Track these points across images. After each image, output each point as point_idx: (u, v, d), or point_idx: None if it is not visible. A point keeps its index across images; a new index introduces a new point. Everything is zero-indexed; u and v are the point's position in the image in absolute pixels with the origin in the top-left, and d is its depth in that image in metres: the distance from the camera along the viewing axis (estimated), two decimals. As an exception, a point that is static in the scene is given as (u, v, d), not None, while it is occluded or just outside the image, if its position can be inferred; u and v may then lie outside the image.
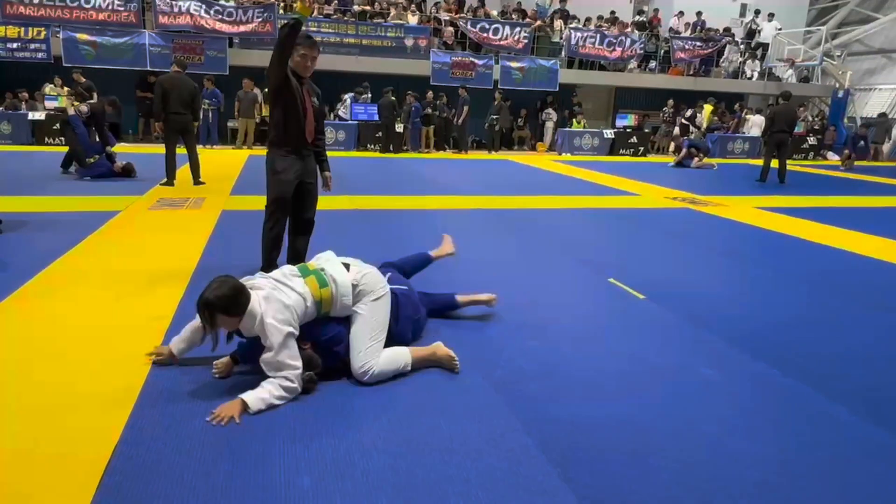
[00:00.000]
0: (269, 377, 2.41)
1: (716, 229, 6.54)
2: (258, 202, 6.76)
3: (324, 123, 3.96)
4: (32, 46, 12.96)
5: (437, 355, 2.78)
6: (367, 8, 15.31)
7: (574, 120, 16.09)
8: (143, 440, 2.11)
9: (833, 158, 16.80)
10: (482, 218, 6.57)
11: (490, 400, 2.52)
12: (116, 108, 9.48)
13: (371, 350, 2.61)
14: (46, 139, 12.09)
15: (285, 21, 3.32)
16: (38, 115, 12.30)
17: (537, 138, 16.98)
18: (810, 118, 17.97)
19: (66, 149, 8.62)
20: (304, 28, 3.46)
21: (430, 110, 14.42)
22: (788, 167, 11.22)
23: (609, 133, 15.90)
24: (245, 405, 2.32)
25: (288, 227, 3.96)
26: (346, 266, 2.73)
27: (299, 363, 2.45)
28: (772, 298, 4.16)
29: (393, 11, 15.41)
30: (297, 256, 3.93)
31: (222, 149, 13.11)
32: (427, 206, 7.06)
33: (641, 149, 15.91)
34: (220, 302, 2.35)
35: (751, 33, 18.78)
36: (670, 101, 16.48)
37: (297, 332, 2.49)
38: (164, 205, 6.49)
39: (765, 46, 18.63)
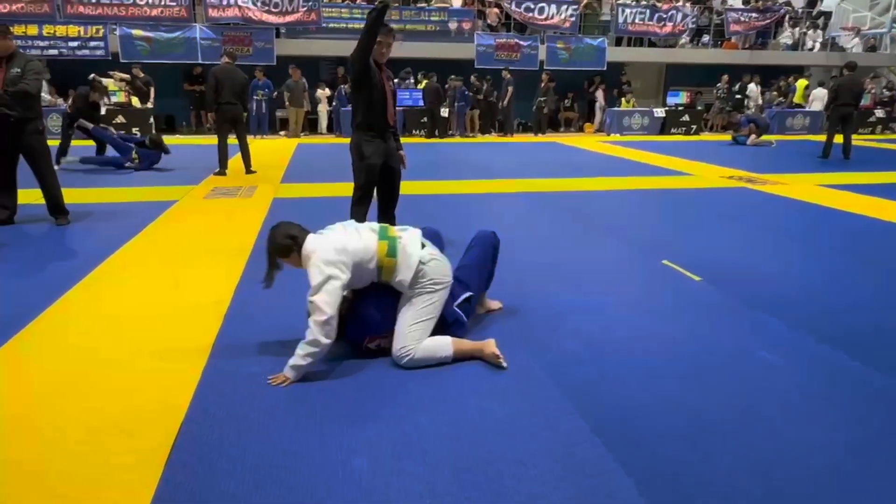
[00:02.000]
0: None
1: (775, 209, 6.28)
2: (308, 190, 6.96)
3: (396, 104, 4.16)
4: (92, 44, 13.46)
5: (483, 352, 2.70)
6: (411, -8, 15.22)
7: (623, 99, 15.67)
8: (205, 420, 2.20)
9: (903, 132, 15.87)
10: (529, 201, 6.50)
11: (542, 383, 2.51)
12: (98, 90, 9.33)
13: (413, 334, 2.59)
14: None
15: (371, 7, 3.46)
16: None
17: (585, 119, 16.64)
18: (878, 90, 16.98)
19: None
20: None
21: (474, 93, 14.31)
22: (854, 142, 10.66)
23: (660, 112, 15.43)
24: (287, 377, 2.46)
25: (378, 204, 4.19)
26: (423, 245, 2.72)
27: (330, 312, 2.42)
28: (837, 280, 3.97)
29: (437, -5, 15.29)
30: None
31: (272, 138, 13.38)
32: (473, 191, 7.03)
33: (694, 127, 15.38)
34: (273, 246, 2.59)
35: (811, 2, 17.83)
36: (725, 77, 15.83)
37: (343, 279, 2.48)
38: (219, 194, 6.67)
39: (827, 15, 17.68)
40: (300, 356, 2.45)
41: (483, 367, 2.65)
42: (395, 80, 4.07)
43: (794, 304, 3.46)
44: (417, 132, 14.09)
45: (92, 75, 10.04)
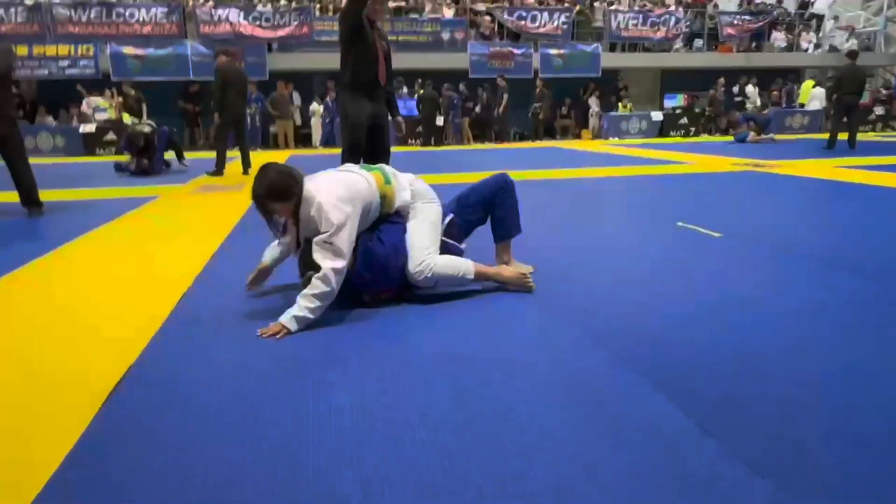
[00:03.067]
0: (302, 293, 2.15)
1: (789, 185, 5.99)
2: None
3: (391, 66, 3.94)
4: (82, 63, 13.34)
5: (504, 274, 2.51)
6: (402, 4, 15.19)
7: (620, 104, 15.52)
8: (164, 359, 1.86)
9: (904, 129, 15.69)
10: (533, 186, 6.22)
11: (560, 323, 2.17)
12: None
13: (429, 248, 2.36)
14: (98, 150, 12.37)
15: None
16: (89, 128, 12.60)
17: (581, 126, 16.46)
18: (875, 86, 16.87)
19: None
20: None
21: (465, 102, 14.17)
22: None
23: (657, 115, 15.25)
24: (285, 328, 2.08)
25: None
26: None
27: (349, 256, 2.17)
28: (869, 229, 3.66)
29: (428, 6, 15.26)
30: None
31: (264, 152, 13.16)
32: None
33: (693, 129, 15.19)
34: (266, 188, 2.16)
35: (804, 5, 17.83)
36: (721, 80, 15.70)
37: (358, 214, 2.22)
38: (206, 190, 6.39)
39: (819, 17, 17.65)
40: (305, 307, 2.11)
41: (494, 304, 2.32)
42: (385, 44, 3.82)
43: (824, 249, 3.15)
44: (412, 141, 13.89)
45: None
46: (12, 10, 12.88)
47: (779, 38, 16.90)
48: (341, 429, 1.44)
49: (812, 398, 1.57)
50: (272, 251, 2.54)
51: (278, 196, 2.18)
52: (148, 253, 3.48)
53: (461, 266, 2.41)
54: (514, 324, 2.18)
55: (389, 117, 3.98)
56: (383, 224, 2.42)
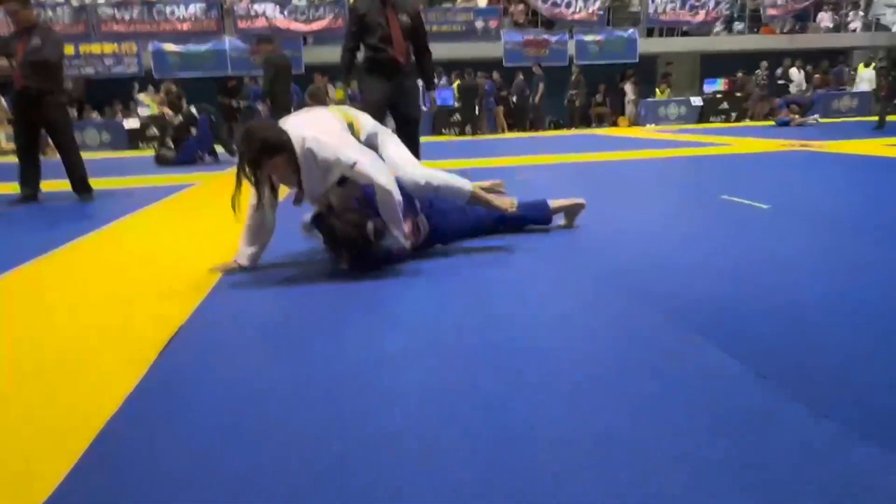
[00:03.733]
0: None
1: (837, 162, 5.77)
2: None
3: (425, 41, 4.00)
4: (126, 61, 13.73)
5: (493, 202, 2.53)
6: (436, -7, 15.18)
7: (658, 90, 15.20)
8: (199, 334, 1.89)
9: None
10: (567, 168, 6.14)
11: (599, 285, 2.13)
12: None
13: (416, 163, 2.45)
14: (140, 144, 12.71)
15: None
16: (133, 124, 12.97)
17: (618, 113, 16.18)
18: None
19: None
20: None
21: (499, 90, 14.08)
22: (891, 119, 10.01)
23: (697, 100, 14.89)
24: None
25: None
26: None
27: (381, 164, 2.30)
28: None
29: (462, -5, 15.21)
30: None
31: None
32: (512, 164, 6.71)
33: (734, 114, 14.78)
34: (261, 146, 2.11)
35: (852, -18, 17.13)
36: (764, 63, 15.24)
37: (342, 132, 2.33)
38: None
39: (869, -5, 16.95)
40: (396, 226, 2.26)
41: (528, 267, 2.30)
42: (406, 18, 3.85)
43: (881, 216, 3.02)
44: (447, 131, 13.87)
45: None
46: (59, 10, 13.33)
47: (825, 18, 16.30)
48: (384, 376, 1.44)
49: (872, 346, 1.51)
50: (251, 250, 2.42)
51: (274, 150, 2.13)
52: (189, 229, 3.56)
53: (457, 178, 2.42)
54: (563, 283, 2.15)
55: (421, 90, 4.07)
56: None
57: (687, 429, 1.16)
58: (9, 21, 4.75)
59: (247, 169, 2.13)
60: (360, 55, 4.03)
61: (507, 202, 2.55)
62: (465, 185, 2.41)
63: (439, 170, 2.49)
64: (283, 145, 2.14)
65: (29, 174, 4.95)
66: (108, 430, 1.23)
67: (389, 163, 2.36)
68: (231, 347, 1.69)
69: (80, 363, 1.60)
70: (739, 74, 15.17)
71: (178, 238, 3.35)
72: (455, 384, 1.38)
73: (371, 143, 2.44)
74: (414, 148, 3.92)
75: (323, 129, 2.24)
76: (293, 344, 1.68)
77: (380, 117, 3.74)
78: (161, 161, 8.29)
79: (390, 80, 3.85)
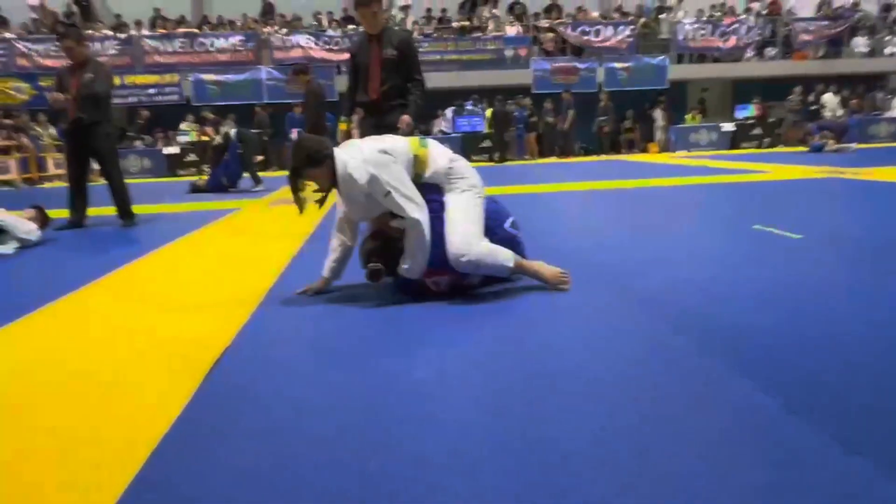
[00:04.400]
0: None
1: (874, 190, 5.68)
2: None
3: (414, 71, 3.84)
4: (167, 90, 14.29)
5: (540, 271, 2.47)
6: (466, 23, 15.48)
7: (688, 116, 15.16)
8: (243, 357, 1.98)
9: None
10: (600, 196, 6.18)
11: (627, 311, 2.16)
12: None
13: (469, 228, 2.32)
14: (178, 171, 13.15)
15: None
16: (173, 150, 13.44)
17: (647, 139, 16.16)
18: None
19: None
20: None
21: (529, 117, 14.21)
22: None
23: (728, 126, 14.79)
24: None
25: None
26: None
27: (419, 201, 2.30)
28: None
29: (491, 25, 15.48)
30: None
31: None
32: (543, 191, 6.77)
33: (767, 139, 14.62)
34: (299, 158, 2.30)
35: (887, 7, 16.94)
36: (797, 89, 15.10)
37: (400, 160, 2.34)
38: (282, 202, 6.68)
39: (906, 19, 16.72)
40: (410, 256, 2.31)
41: (551, 295, 2.34)
42: (391, 51, 3.75)
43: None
44: (477, 157, 14.02)
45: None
46: (106, 42, 13.97)
47: (860, 42, 16.11)
48: (423, 400, 1.49)
49: (908, 383, 1.51)
50: (332, 264, 2.55)
51: (311, 162, 2.28)
52: (235, 252, 3.69)
53: (501, 254, 2.35)
54: (590, 314, 2.19)
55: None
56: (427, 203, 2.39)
57: (723, 458, 1.18)
58: (65, 55, 5.04)
59: (291, 181, 2.36)
60: None
61: (562, 278, 2.46)
62: (508, 260, 2.37)
63: (490, 244, 2.36)
64: (320, 160, 2.29)
65: (78, 201, 5.19)
66: (163, 446, 1.31)
67: (448, 220, 2.33)
68: (275, 365, 1.77)
69: (137, 379, 1.70)
70: (753, 106, 15.05)
71: (222, 260, 3.48)
72: (489, 410, 1.43)
73: (440, 181, 2.42)
74: None
75: (371, 156, 2.29)
76: (329, 366, 1.75)
77: None
78: (194, 189, 8.42)
79: (374, 117, 3.85)
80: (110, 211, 5.29)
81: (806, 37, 15.85)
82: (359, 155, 2.29)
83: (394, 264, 2.37)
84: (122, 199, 5.23)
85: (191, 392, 1.58)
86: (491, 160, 13.71)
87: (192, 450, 1.31)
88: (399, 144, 2.41)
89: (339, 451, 1.27)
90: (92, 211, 5.41)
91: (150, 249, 3.85)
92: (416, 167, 2.41)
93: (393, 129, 3.68)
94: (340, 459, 1.23)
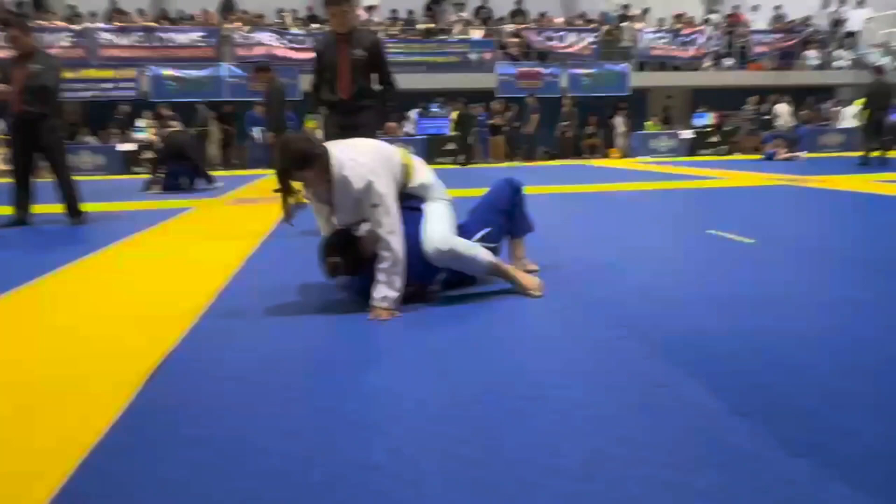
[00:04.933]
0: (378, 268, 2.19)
1: (823, 197, 5.88)
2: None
3: (385, 72, 3.85)
4: (123, 85, 13.85)
5: (516, 277, 2.43)
6: (432, 26, 15.47)
7: (648, 122, 15.47)
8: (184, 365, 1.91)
9: (944, 147, 15.26)
10: (560, 199, 6.23)
11: (588, 315, 2.17)
12: None
13: (447, 227, 2.32)
14: (133, 168, 12.74)
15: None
16: (129, 146, 13.03)
17: (609, 145, 16.40)
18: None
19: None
20: None
21: (500, 121, 14.28)
22: (892, 155, 10.24)
23: (687, 133, 15.14)
24: (388, 310, 2.14)
25: None
26: None
27: (397, 219, 2.20)
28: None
29: (457, 28, 15.51)
30: None
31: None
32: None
33: (724, 147, 15.03)
34: (289, 158, 2.15)
35: (836, 23, 17.60)
36: (752, 99, 15.56)
37: (388, 172, 2.28)
38: (239, 202, 6.54)
39: (854, 35, 17.39)
40: (388, 284, 2.16)
41: (521, 300, 2.33)
42: (360, 51, 3.71)
43: (866, 252, 3.08)
44: (442, 160, 14.01)
45: None
46: (59, 34, 13.48)
47: (811, 55, 16.70)
48: (372, 407, 1.46)
49: (850, 384, 1.54)
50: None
51: (302, 162, 2.15)
52: (185, 254, 3.58)
53: (479, 251, 2.33)
54: (546, 316, 2.18)
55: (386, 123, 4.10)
56: (404, 210, 2.33)
57: (671, 461, 1.18)
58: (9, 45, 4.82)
59: (280, 181, 2.20)
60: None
61: (535, 284, 2.42)
62: (484, 259, 2.34)
63: (465, 240, 2.35)
64: (314, 159, 2.16)
65: (22, 197, 4.96)
66: (92, 457, 1.24)
67: (425, 219, 2.33)
68: (217, 374, 1.71)
69: (69, 387, 1.61)
70: (712, 117, 15.48)
71: (170, 263, 3.36)
72: (441, 415, 1.40)
73: (420, 195, 2.42)
74: None
75: (369, 161, 2.21)
76: (279, 373, 1.70)
77: None
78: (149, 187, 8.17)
79: (341, 116, 3.80)
80: (58, 209, 5.08)
81: (760, 48, 16.35)
82: (357, 157, 2.20)
83: (354, 261, 2.27)
84: (69, 196, 5.02)
85: (127, 401, 1.51)
86: (455, 162, 13.72)
87: (124, 461, 1.24)
88: (391, 151, 2.37)
89: (282, 460, 1.22)
90: (38, 208, 5.19)
91: (95, 249, 3.70)
92: (404, 176, 2.38)
93: (359, 129, 3.61)
94: (283, 468, 1.19)
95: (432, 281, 2.41)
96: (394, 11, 15.99)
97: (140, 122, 13.77)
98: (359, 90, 3.76)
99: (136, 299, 2.57)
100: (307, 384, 1.61)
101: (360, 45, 3.74)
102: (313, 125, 4.14)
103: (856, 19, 17.44)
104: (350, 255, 2.26)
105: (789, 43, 16.56)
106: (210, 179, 8.22)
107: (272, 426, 1.37)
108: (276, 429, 1.36)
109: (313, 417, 1.41)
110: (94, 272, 3.19)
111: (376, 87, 3.90)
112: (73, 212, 5.04)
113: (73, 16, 14.17)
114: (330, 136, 3.85)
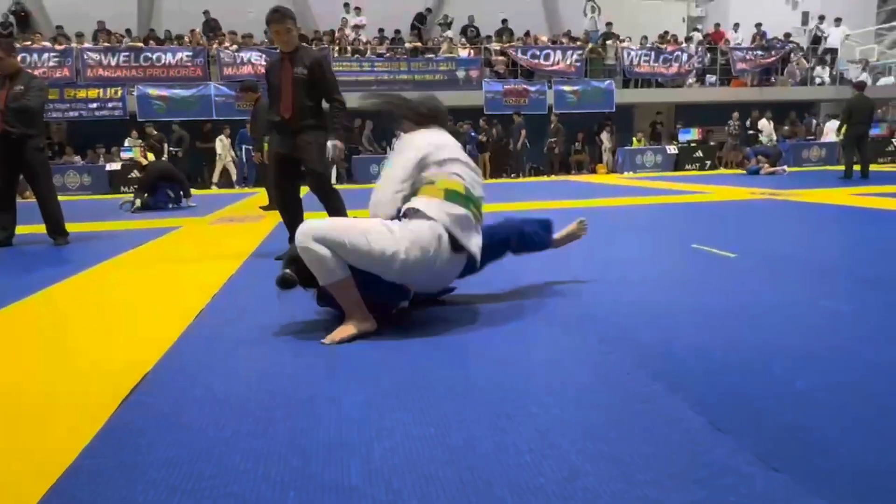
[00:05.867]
0: None
1: (805, 210, 5.95)
2: (316, 216, 6.73)
3: (329, 90, 3.70)
4: (110, 105, 13.81)
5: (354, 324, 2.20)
6: (419, 44, 15.60)
7: (634, 138, 15.64)
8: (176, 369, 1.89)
9: (925, 160, 15.55)
10: (548, 215, 6.24)
11: (571, 329, 2.17)
12: None
13: (333, 223, 2.19)
14: (122, 188, 12.68)
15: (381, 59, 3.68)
16: (115, 166, 12.97)
17: (596, 161, 16.55)
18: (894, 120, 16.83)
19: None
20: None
21: (484, 137, 14.38)
22: (873, 168, 10.40)
23: (672, 148, 15.32)
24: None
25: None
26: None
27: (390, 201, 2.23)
28: (885, 249, 3.61)
29: (444, 46, 15.65)
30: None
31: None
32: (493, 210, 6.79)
33: (708, 163, 15.21)
34: (414, 108, 2.45)
35: (816, 40, 17.95)
36: (735, 114, 15.78)
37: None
38: (224, 221, 6.51)
39: (833, 52, 17.75)
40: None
41: (486, 313, 2.33)
42: (301, 70, 3.60)
43: (849, 267, 3.12)
44: (429, 177, 14.07)
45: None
46: (45, 55, 13.45)
47: (792, 72, 17.00)
48: (351, 426, 1.45)
49: (828, 397, 1.55)
50: None
51: (416, 119, 2.43)
52: (167, 274, 3.55)
53: (336, 262, 2.07)
54: (527, 331, 2.18)
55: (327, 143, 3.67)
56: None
57: (650, 478, 1.18)
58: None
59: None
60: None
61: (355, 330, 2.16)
62: (333, 271, 2.09)
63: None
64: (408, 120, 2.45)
65: (5, 218, 4.92)
66: (63, 480, 1.22)
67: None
68: (195, 394, 1.69)
69: (42, 409, 1.59)
70: (695, 132, 15.68)
71: (152, 283, 3.33)
72: (420, 435, 1.39)
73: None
74: (328, 203, 3.79)
75: (420, 140, 2.32)
76: (257, 395, 1.68)
77: (283, 174, 3.77)
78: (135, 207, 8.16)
79: (284, 136, 3.71)
80: (41, 229, 5.04)
81: (742, 65, 16.62)
82: (425, 136, 2.34)
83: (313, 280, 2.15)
84: (52, 216, 4.98)
85: (102, 423, 1.49)
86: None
87: (95, 485, 1.22)
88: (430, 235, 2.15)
89: (258, 483, 1.20)
90: (23, 229, 5.15)
91: (78, 270, 3.67)
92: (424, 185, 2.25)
93: (308, 147, 3.64)
94: (259, 491, 1.17)
95: (395, 303, 2.32)
96: (381, 30, 16.11)
97: (128, 142, 13.73)
98: (300, 110, 3.64)
99: (115, 321, 2.54)
100: (285, 405, 1.60)
101: (303, 64, 3.64)
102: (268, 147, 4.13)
103: (835, 36, 17.80)
104: (303, 267, 2.12)
105: (769, 60, 16.85)
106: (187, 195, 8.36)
107: (248, 448, 1.35)
108: (253, 451, 1.34)
109: (290, 439, 1.40)
110: (75, 293, 3.15)
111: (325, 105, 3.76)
112: (57, 232, 5.00)
113: (60, 35, 14.15)
114: (272, 160, 3.83)
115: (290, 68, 3.62)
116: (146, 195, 8.05)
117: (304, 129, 3.66)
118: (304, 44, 3.91)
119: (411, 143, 2.31)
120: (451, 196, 2.21)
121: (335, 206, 3.79)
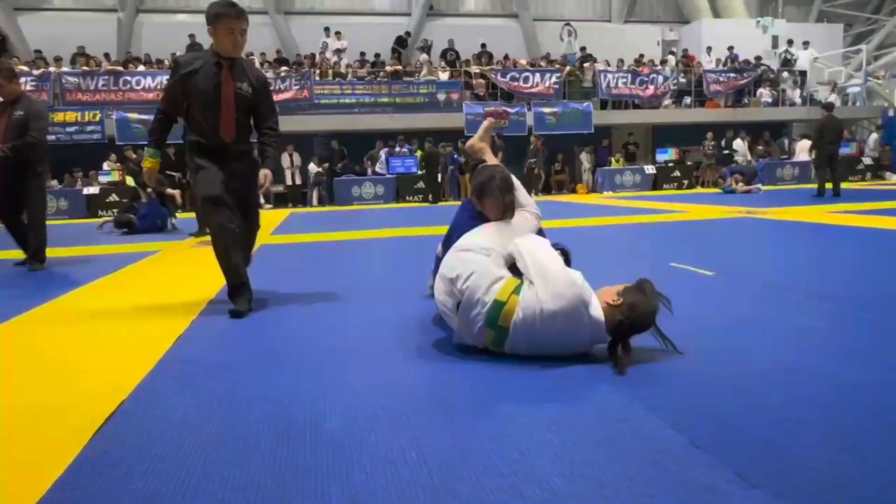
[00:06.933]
0: None
1: (779, 228, 6.07)
2: (295, 237, 6.77)
3: (271, 116, 3.12)
4: (89, 129, 13.70)
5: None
6: (399, 68, 15.76)
7: (612, 159, 15.88)
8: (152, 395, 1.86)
9: (893, 179, 15.97)
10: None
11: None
12: None
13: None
14: (100, 212, 12.53)
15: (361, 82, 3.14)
16: (93, 190, 12.83)
17: (576, 181, 16.76)
18: (863, 140, 17.31)
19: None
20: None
21: (464, 159, 14.49)
22: (844, 186, 10.66)
23: (650, 168, 15.57)
24: None
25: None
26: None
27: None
28: (857, 265, 3.69)
29: (424, 69, 15.83)
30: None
31: (268, 210, 13.35)
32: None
33: (686, 182, 15.48)
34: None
35: (786, 62, 18.47)
36: (710, 134, 16.13)
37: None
38: (204, 245, 6.45)
39: (803, 74, 18.27)
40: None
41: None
42: (246, 86, 2.98)
43: (813, 284, 3.18)
44: (411, 198, 14.11)
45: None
46: (23, 79, 13.33)
47: (765, 93, 17.45)
48: (330, 454, 1.43)
49: (803, 413, 1.57)
50: None
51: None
52: (145, 299, 3.50)
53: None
54: (505, 354, 2.18)
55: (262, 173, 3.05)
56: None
57: (629, 497, 1.18)
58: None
59: None
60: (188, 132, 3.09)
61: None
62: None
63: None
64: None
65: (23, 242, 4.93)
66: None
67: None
68: (172, 421, 1.66)
69: (13, 440, 1.55)
70: (671, 152, 16.02)
71: (130, 309, 3.28)
72: (401, 459, 1.38)
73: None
74: (252, 238, 3.31)
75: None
76: (235, 421, 1.66)
77: (221, 211, 2.91)
78: (120, 225, 8.40)
79: (221, 164, 2.97)
80: (10, 255, 4.96)
81: (717, 87, 17.02)
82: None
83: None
84: (39, 242, 4.92)
85: (75, 454, 1.45)
86: (425, 201, 13.84)
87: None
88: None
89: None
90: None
91: (58, 294, 3.61)
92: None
93: (244, 176, 3.04)
94: (236, 520, 1.16)
95: None
96: (362, 54, 16.26)
97: (106, 166, 13.62)
98: (241, 132, 3.02)
99: (92, 347, 2.49)
100: (263, 432, 1.58)
101: (248, 79, 3.00)
102: (151, 164, 3.15)
103: (804, 59, 18.34)
104: None
105: (742, 82, 17.29)
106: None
107: (226, 476, 1.33)
108: (231, 479, 1.32)
109: (270, 466, 1.38)
110: (52, 319, 3.09)
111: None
112: (36, 257, 4.93)
113: (39, 59, 14.06)
114: (207, 197, 2.89)
115: (232, 81, 2.93)
116: (132, 216, 8.21)
117: (240, 155, 3.05)
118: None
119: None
120: None
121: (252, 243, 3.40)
